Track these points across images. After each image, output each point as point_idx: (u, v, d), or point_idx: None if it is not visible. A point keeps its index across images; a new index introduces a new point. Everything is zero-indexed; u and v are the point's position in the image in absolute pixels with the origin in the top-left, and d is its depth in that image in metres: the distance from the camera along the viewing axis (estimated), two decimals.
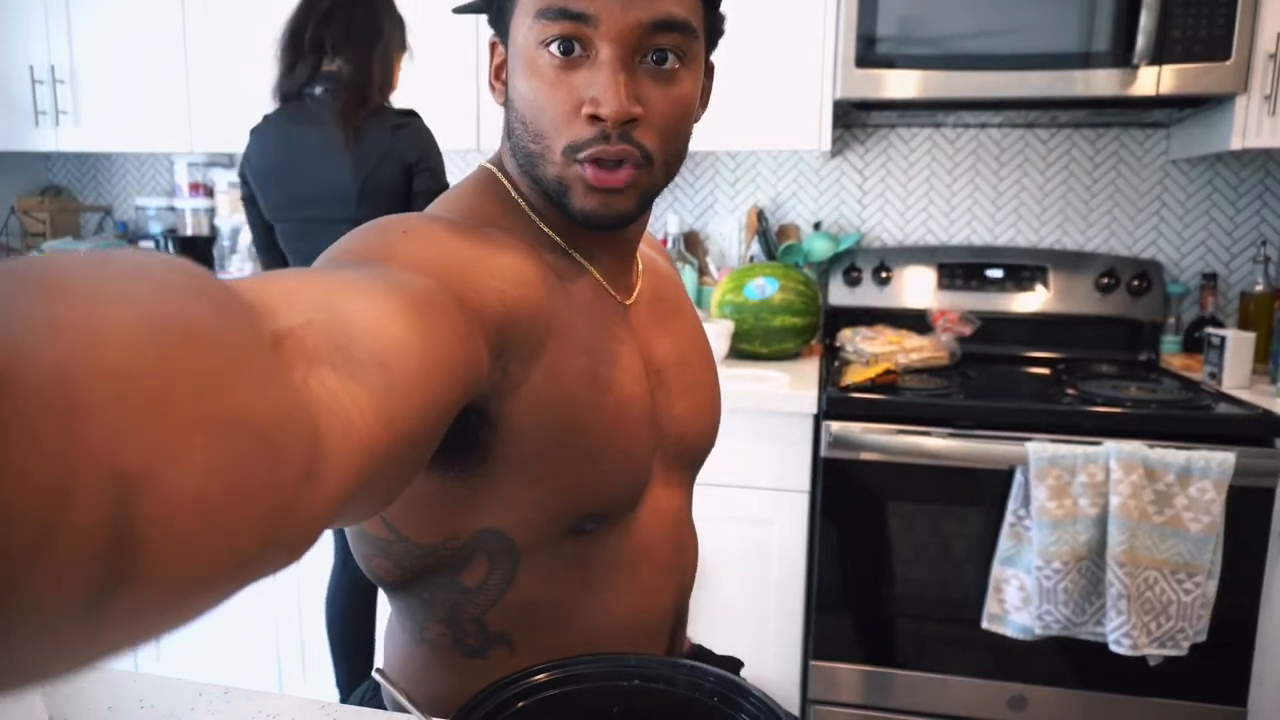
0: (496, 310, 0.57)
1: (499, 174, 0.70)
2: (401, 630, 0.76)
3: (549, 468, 0.64)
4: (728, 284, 2.22)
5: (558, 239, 0.69)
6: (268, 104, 1.75)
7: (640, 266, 0.77)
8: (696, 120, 0.68)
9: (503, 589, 0.69)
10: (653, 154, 0.63)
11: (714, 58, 0.70)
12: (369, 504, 0.45)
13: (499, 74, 0.67)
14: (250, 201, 1.80)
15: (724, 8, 0.68)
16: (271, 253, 1.83)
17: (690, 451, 0.79)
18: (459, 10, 0.70)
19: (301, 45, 1.67)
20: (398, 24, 1.74)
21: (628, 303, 0.73)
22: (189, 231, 2.57)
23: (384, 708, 0.84)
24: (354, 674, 1.90)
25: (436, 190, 1.69)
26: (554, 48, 0.60)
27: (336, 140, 1.63)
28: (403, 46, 1.77)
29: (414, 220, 0.60)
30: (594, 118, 0.60)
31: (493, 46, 0.67)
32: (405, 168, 1.65)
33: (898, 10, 1.84)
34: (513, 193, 0.69)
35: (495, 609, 0.70)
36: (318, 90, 1.67)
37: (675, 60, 0.62)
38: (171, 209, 2.68)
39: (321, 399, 0.35)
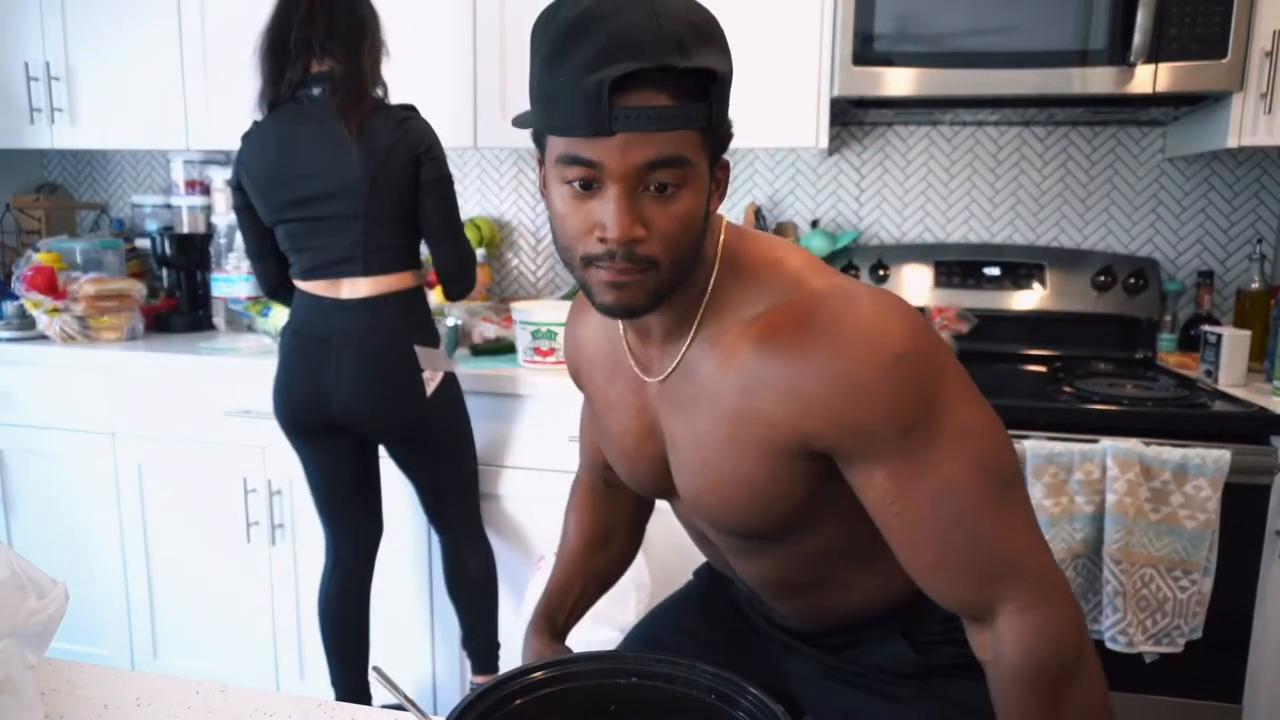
0: (572, 353, 1.04)
1: None
2: None
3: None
4: None
5: (620, 332, 0.93)
6: None
7: (682, 361, 0.85)
8: (713, 210, 0.80)
9: None
10: (658, 260, 0.75)
11: (727, 154, 0.80)
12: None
13: (544, 185, 0.81)
14: (244, 209, 1.78)
15: (727, 56, 0.77)
16: (266, 260, 1.82)
17: (705, 514, 0.90)
18: (517, 124, 0.80)
19: (287, 50, 1.66)
20: (377, 17, 1.73)
21: (646, 379, 0.89)
22: (185, 229, 2.57)
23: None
24: (348, 673, 1.90)
25: (441, 178, 1.71)
26: (574, 185, 0.74)
27: (342, 136, 1.63)
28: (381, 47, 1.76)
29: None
30: (603, 239, 0.74)
31: (539, 161, 0.81)
32: (414, 158, 1.67)
33: (895, 8, 1.84)
34: None
35: None
36: (314, 91, 1.67)
37: (673, 187, 0.73)
38: (167, 206, 2.67)
39: None
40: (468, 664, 1.99)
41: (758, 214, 2.31)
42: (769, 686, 0.99)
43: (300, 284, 1.76)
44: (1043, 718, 0.76)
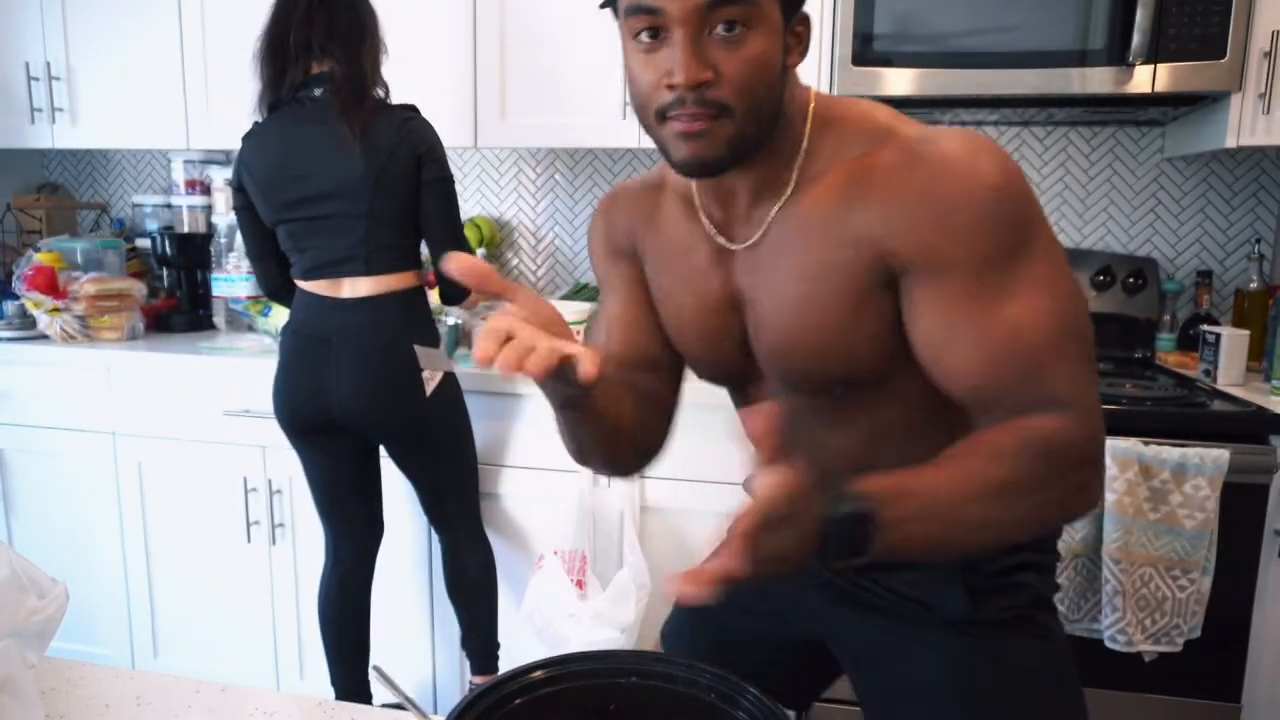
0: (618, 237, 0.99)
1: None
2: None
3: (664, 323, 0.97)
4: None
5: (689, 187, 0.91)
6: None
7: (774, 220, 0.84)
8: (793, 67, 0.80)
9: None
10: (730, 106, 0.75)
11: (808, 9, 0.80)
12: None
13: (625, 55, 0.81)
14: (245, 210, 1.78)
15: None
16: (267, 261, 1.82)
17: (790, 374, 0.88)
18: (603, 6, 0.82)
19: (286, 52, 1.66)
20: (376, 17, 1.73)
21: (729, 247, 0.87)
22: (185, 229, 2.57)
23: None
24: (348, 672, 1.90)
25: (443, 178, 1.71)
26: (642, 36, 0.76)
27: (344, 137, 1.63)
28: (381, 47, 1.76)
29: None
30: (672, 86, 0.74)
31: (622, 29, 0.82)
32: (416, 158, 1.68)
33: (895, 8, 1.84)
34: None
35: None
36: (316, 92, 1.67)
37: (741, 27, 0.73)
38: (168, 206, 2.67)
39: None
40: (467, 664, 1.99)
41: None
42: (804, 635, 1.03)
43: (301, 283, 1.76)
44: (1010, 468, 0.72)
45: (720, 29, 0.73)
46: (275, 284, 1.85)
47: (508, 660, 1.95)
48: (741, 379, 0.96)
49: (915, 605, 0.94)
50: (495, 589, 1.93)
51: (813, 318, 0.82)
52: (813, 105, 0.84)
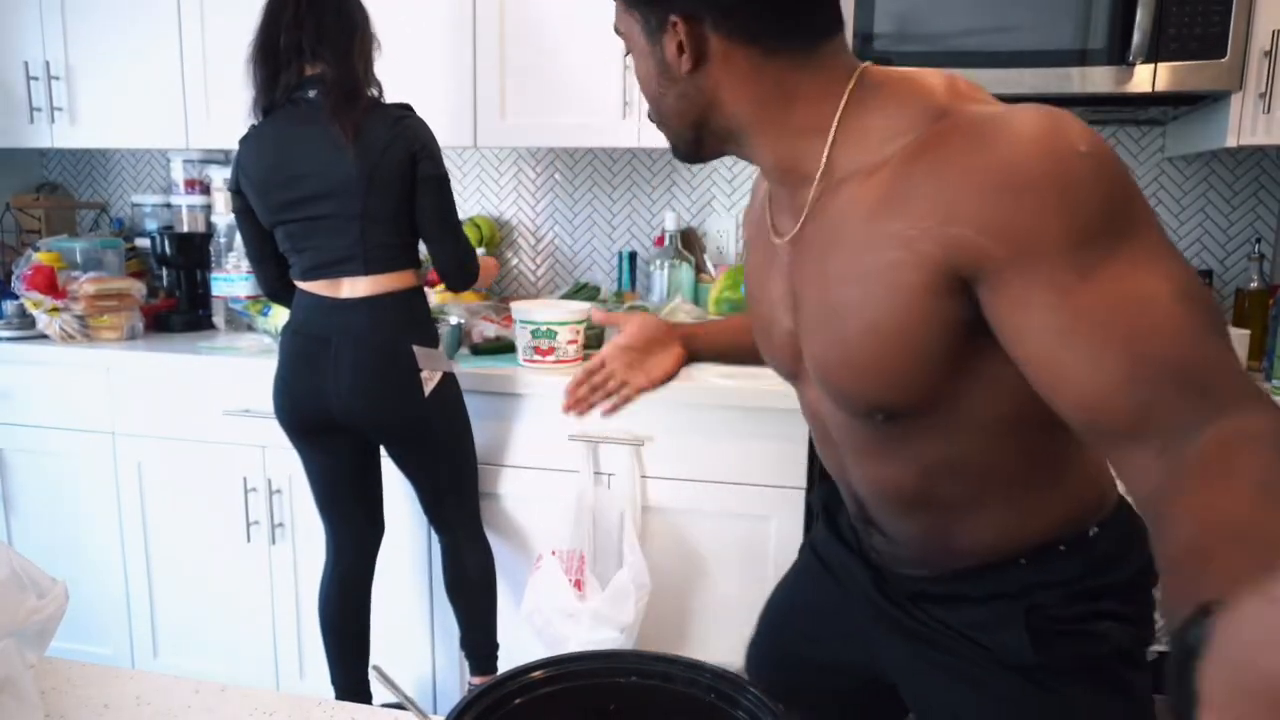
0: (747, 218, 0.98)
1: None
2: None
3: None
4: (725, 281, 2.22)
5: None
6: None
7: (810, 211, 0.78)
8: (687, 69, 0.77)
9: None
10: (651, 115, 0.85)
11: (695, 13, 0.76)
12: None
13: None
14: (244, 213, 1.79)
15: None
16: (267, 263, 1.82)
17: (827, 384, 0.81)
18: None
19: (278, 55, 1.67)
20: (367, 16, 1.72)
21: (775, 240, 0.84)
22: (185, 229, 2.57)
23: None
24: (348, 672, 1.90)
25: (438, 176, 1.71)
26: None
27: (338, 137, 1.63)
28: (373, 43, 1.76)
29: None
30: None
31: None
32: (410, 156, 1.67)
33: (895, 8, 1.84)
34: None
35: None
36: (310, 94, 1.67)
37: (626, 51, 0.83)
38: (167, 206, 2.67)
39: None
40: (466, 664, 1.99)
41: None
42: (870, 668, 0.98)
43: (300, 284, 1.76)
44: (1219, 478, 0.51)
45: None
46: (275, 286, 1.85)
47: (507, 660, 1.95)
48: (794, 379, 0.91)
49: (972, 644, 0.86)
50: (494, 589, 1.93)
51: (854, 329, 0.73)
52: (851, 87, 0.75)
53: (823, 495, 1.06)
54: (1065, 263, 0.60)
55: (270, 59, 1.68)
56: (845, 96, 0.75)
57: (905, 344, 0.70)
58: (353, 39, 1.68)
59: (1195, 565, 0.46)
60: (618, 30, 0.83)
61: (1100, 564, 0.82)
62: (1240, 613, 0.34)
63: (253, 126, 1.74)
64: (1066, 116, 0.63)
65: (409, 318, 1.75)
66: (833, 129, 0.75)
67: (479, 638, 1.92)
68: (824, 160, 0.75)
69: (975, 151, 0.63)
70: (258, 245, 1.81)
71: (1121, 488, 0.76)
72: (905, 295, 0.68)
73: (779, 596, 1.14)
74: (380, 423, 1.75)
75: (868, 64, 0.77)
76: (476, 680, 1.94)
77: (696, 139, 0.83)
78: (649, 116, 0.85)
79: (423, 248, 1.78)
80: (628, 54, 0.83)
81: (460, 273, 1.79)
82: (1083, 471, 0.83)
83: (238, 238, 2.31)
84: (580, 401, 1.07)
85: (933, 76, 0.74)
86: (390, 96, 1.77)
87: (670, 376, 1.12)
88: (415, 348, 1.73)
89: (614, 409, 1.10)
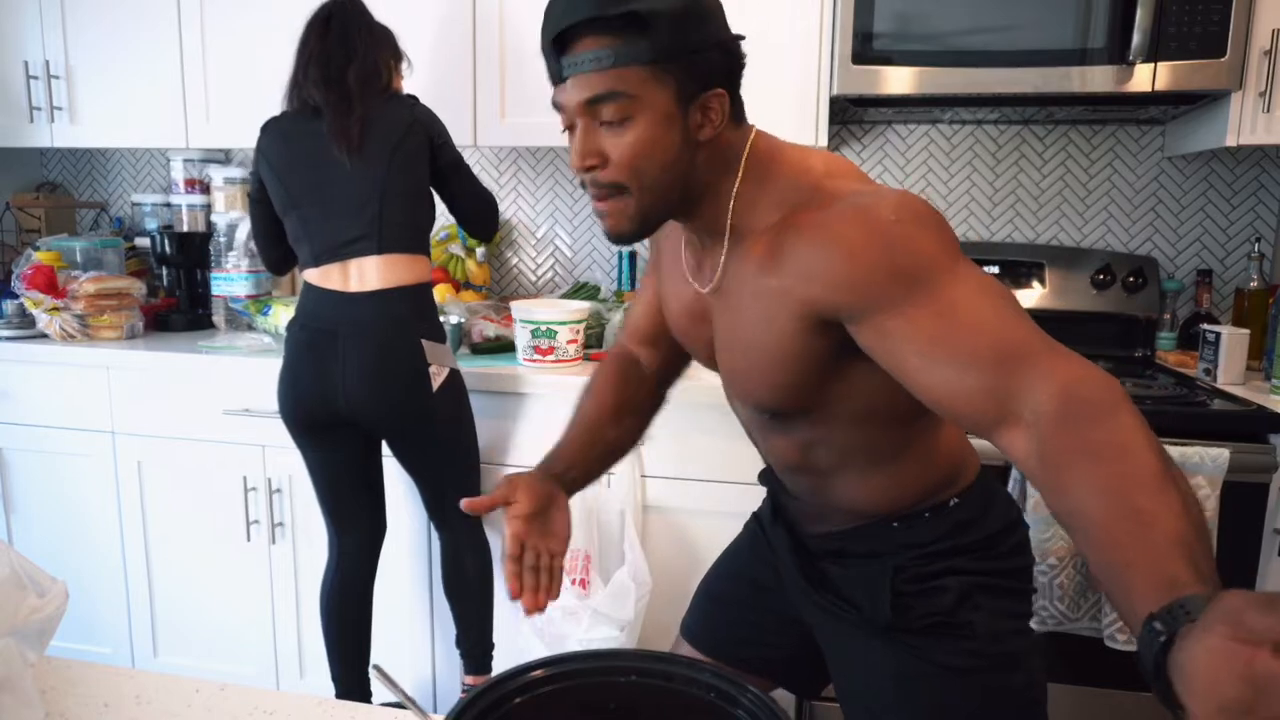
0: (655, 246, 1.14)
1: None
2: None
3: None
4: None
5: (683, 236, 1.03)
6: (264, 99, 1.76)
7: (723, 269, 0.94)
8: (707, 139, 0.87)
9: None
10: (624, 184, 0.87)
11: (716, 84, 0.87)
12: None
13: None
14: (258, 201, 1.82)
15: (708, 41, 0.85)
16: (272, 250, 1.88)
17: (734, 388, 1.02)
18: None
19: (305, 63, 1.73)
20: (379, 41, 1.77)
21: (698, 289, 0.99)
22: (185, 228, 2.56)
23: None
24: (349, 671, 1.90)
25: (458, 161, 1.83)
26: (565, 129, 0.89)
27: (369, 125, 1.70)
28: (395, 57, 1.82)
29: None
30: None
31: None
32: (429, 139, 1.77)
33: (895, 7, 1.84)
34: None
35: None
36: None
37: (622, 118, 0.84)
38: (167, 205, 2.67)
39: None
40: (462, 663, 1.98)
41: None
42: (796, 633, 1.15)
43: (309, 274, 1.77)
44: (1081, 455, 0.66)
45: (605, 120, 0.85)
46: (278, 257, 1.90)
47: (507, 660, 1.95)
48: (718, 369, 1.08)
49: (849, 607, 1.05)
50: (492, 591, 1.93)
51: (752, 354, 0.93)
52: (745, 160, 0.90)
53: (769, 476, 1.20)
54: (896, 297, 0.79)
55: (299, 65, 1.74)
56: (742, 170, 0.91)
57: (787, 366, 0.90)
58: (349, 62, 1.72)
59: (1116, 563, 0.60)
60: (620, 94, 0.83)
61: (957, 529, 1.00)
62: (1193, 650, 0.47)
63: (273, 117, 1.78)
64: (888, 194, 0.83)
65: (416, 312, 1.76)
66: (733, 197, 0.91)
67: (475, 638, 1.92)
68: (729, 224, 0.92)
69: (828, 227, 0.83)
70: (267, 228, 1.86)
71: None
72: (784, 334, 0.88)
73: (718, 566, 1.29)
74: (386, 417, 1.75)
75: (755, 129, 0.92)
76: (471, 680, 1.94)
77: (667, 207, 0.90)
78: (613, 187, 0.87)
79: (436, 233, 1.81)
80: (616, 120, 0.85)
81: (482, 216, 1.91)
82: (936, 452, 1.01)
83: (238, 237, 2.32)
84: (537, 598, 0.95)
85: (813, 156, 0.92)
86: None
87: (570, 530, 1.05)
88: (424, 342, 1.74)
89: (557, 593, 1.00)
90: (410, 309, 1.75)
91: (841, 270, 0.81)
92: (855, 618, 1.04)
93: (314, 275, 1.76)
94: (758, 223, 0.89)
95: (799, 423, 0.98)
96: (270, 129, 1.78)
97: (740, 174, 0.90)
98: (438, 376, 1.74)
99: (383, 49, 1.78)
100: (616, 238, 0.91)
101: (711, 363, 1.06)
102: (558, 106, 0.88)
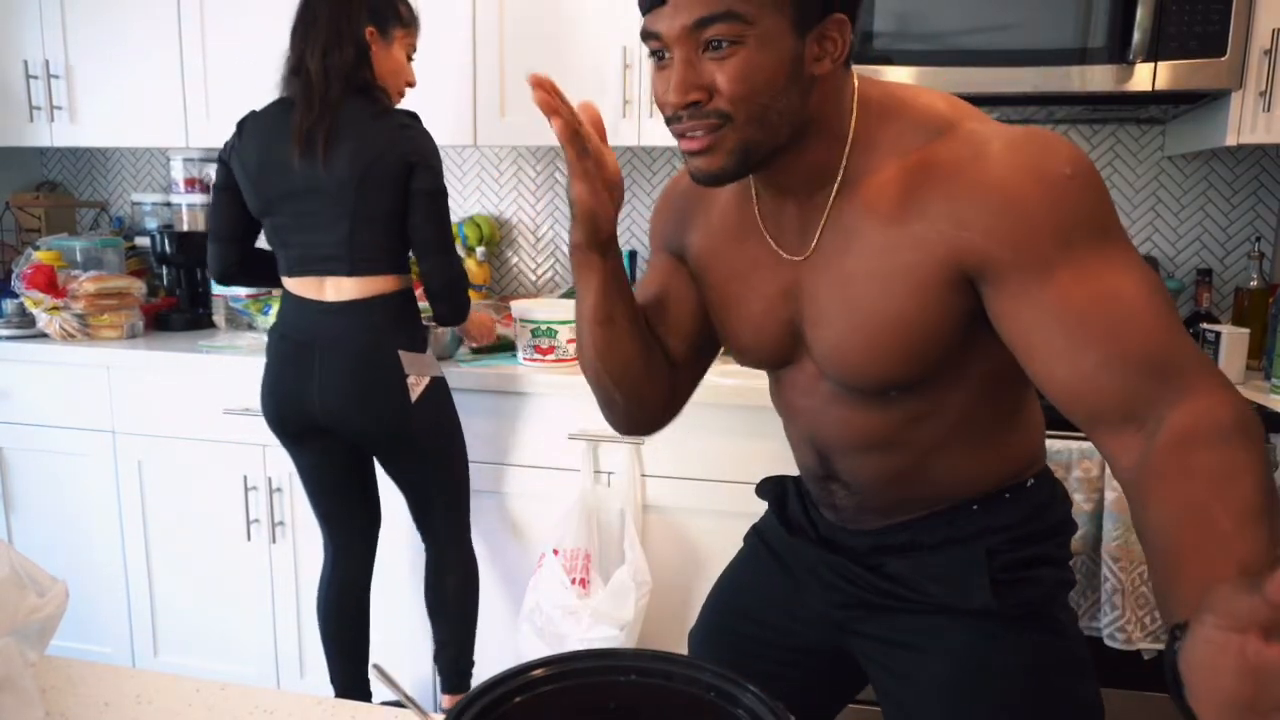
0: (667, 232, 1.01)
1: None
2: None
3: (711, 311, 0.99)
4: None
5: (752, 194, 0.92)
6: (264, 99, 1.75)
7: (826, 223, 0.84)
8: (823, 72, 0.78)
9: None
10: (730, 114, 0.77)
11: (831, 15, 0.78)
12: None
13: None
14: (225, 190, 1.75)
15: None
16: (229, 245, 1.78)
17: (835, 370, 0.88)
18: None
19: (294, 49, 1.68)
20: (355, 10, 1.66)
21: (788, 257, 0.88)
22: (185, 227, 2.56)
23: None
24: (348, 671, 1.90)
25: (434, 190, 1.67)
26: (655, 58, 0.80)
27: (337, 135, 1.62)
28: (404, 25, 1.73)
29: None
30: (669, 104, 0.78)
31: None
32: (406, 165, 1.64)
33: (894, 7, 1.84)
34: None
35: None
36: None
37: (730, 43, 0.74)
38: (167, 205, 2.67)
39: None
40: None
41: None
42: (822, 644, 1.03)
43: (287, 282, 1.74)
44: (1180, 473, 0.64)
45: (711, 46, 0.75)
46: (231, 269, 1.81)
47: (507, 660, 1.95)
48: (783, 364, 0.97)
49: (923, 598, 0.93)
50: (474, 612, 1.89)
51: (876, 320, 0.81)
52: (857, 96, 0.82)
53: (770, 488, 1.12)
54: (1055, 263, 0.72)
55: (292, 49, 1.68)
56: (855, 108, 0.82)
57: (924, 330, 0.80)
58: (327, 53, 1.64)
59: (1171, 568, 0.59)
60: (732, 14, 0.73)
61: (1036, 511, 0.93)
62: (1190, 646, 0.48)
63: (252, 112, 1.73)
64: (1055, 140, 0.75)
65: (394, 322, 1.71)
66: (850, 138, 0.82)
67: (452, 655, 1.87)
68: (843, 166, 0.82)
69: (981, 170, 0.75)
70: (229, 225, 1.77)
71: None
72: (921, 290, 0.79)
73: (723, 582, 1.18)
74: (364, 429, 1.72)
75: (857, 76, 0.84)
76: (447, 701, 1.89)
77: (772, 145, 0.79)
78: (718, 115, 0.76)
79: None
80: (721, 44, 0.74)
81: (450, 294, 1.72)
82: (1029, 426, 0.95)
83: None
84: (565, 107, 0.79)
85: (934, 95, 0.84)
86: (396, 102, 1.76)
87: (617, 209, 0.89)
88: (401, 353, 1.69)
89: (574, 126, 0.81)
90: (387, 319, 1.69)
91: (1002, 219, 0.73)
92: (926, 604, 0.93)
93: (291, 284, 1.73)
94: (877, 169, 0.80)
95: (906, 396, 0.87)
96: (249, 127, 1.72)
97: (854, 113, 0.82)
98: (417, 387, 1.70)
99: (357, 20, 1.65)
100: (710, 176, 0.80)
101: (791, 345, 0.92)
102: (649, 36, 0.78)
